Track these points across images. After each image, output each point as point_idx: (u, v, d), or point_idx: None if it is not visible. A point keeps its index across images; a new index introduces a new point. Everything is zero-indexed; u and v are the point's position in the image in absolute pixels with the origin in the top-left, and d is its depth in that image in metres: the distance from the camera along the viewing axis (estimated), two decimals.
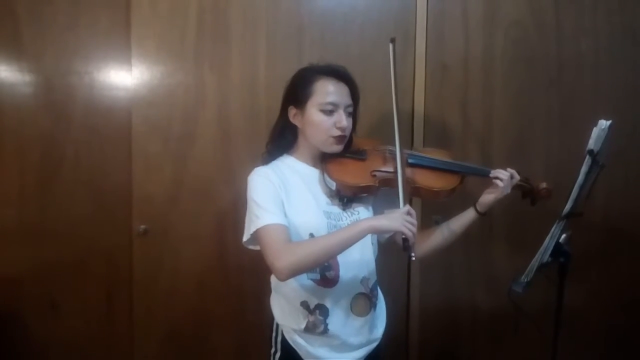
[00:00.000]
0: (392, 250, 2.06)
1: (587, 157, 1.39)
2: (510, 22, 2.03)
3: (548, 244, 1.50)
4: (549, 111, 2.05)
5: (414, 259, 1.36)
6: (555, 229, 1.48)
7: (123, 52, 2.05)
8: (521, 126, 2.06)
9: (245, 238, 1.41)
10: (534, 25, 2.03)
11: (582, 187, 1.42)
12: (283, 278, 1.31)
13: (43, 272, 2.11)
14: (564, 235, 1.50)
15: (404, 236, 1.29)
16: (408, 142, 2.06)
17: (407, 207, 1.34)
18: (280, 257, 1.29)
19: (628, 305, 2.08)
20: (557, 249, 1.50)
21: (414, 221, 1.31)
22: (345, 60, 2.02)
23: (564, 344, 1.57)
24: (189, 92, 2.06)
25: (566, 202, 1.46)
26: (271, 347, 1.54)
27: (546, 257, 1.51)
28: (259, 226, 1.35)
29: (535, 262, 1.52)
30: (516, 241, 2.05)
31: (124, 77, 2.07)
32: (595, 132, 1.38)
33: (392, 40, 1.48)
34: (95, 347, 2.15)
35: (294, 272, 1.33)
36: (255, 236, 1.37)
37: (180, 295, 2.10)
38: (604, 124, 1.37)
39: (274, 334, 1.53)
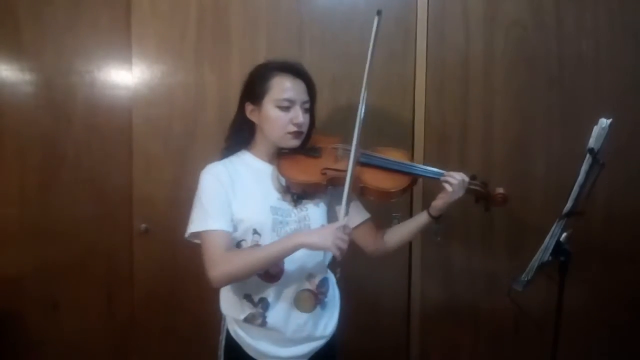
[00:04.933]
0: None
1: (588, 155, 1.39)
2: (511, 22, 2.03)
3: (548, 242, 1.50)
4: (550, 110, 2.05)
5: (337, 275, 1.40)
6: (555, 228, 1.48)
7: (123, 52, 2.05)
8: (522, 125, 2.06)
9: (186, 234, 1.42)
10: (535, 24, 2.03)
11: (582, 186, 1.42)
12: (216, 286, 1.36)
13: (44, 272, 2.11)
14: (564, 234, 1.50)
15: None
16: (409, 143, 2.07)
17: (343, 222, 1.34)
18: (215, 266, 1.33)
19: (628, 304, 2.08)
20: (558, 248, 1.50)
21: (345, 237, 1.31)
22: (345, 60, 2.05)
23: (564, 343, 1.57)
24: (189, 91, 2.06)
25: (567, 201, 1.46)
26: (220, 334, 1.55)
27: (547, 256, 1.51)
28: (200, 229, 1.38)
29: (535, 261, 1.52)
30: (517, 240, 2.05)
31: (124, 77, 2.07)
32: (595, 130, 1.38)
33: (379, 13, 1.42)
34: (96, 346, 2.15)
35: (227, 282, 1.40)
36: (196, 236, 1.40)
37: (181, 294, 2.10)
38: (604, 122, 1.37)
39: (222, 322, 1.55)
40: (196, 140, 2.07)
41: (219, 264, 1.33)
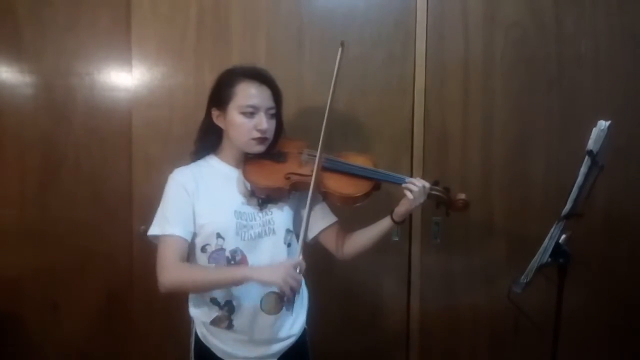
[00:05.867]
0: (392, 250, 2.07)
1: (587, 157, 1.39)
2: (510, 23, 2.04)
3: (548, 244, 1.49)
4: (549, 112, 2.05)
5: (287, 311, 1.46)
6: (554, 230, 1.48)
7: (123, 53, 2.05)
8: (521, 127, 2.06)
9: (148, 233, 1.45)
10: (534, 26, 2.04)
11: (581, 188, 1.42)
12: (162, 292, 1.38)
13: (44, 273, 2.11)
14: (563, 236, 1.50)
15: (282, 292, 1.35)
16: (408, 145, 2.07)
17: (298, 259, 1.38)
18: (165, 273, 1.37)
19: (628, 306, 2.08)
20: (557, 250, 1.50)
21: (298, 277, 1.34)
22: (345, 61, 2.04)
23: (563, 344, 1.57)
24: (189, 93, 2.06)
25: (566, 203, 1.46)
26: (190, 336, 1.57)
27: (546, 258, 1.51)
28: (157, 233, 1.41)
29: (535, 263, 1.52)
30: (516, 242, 2.05)
31: (124, 78, 2.07)
32: (594, 132, 1.38)
33: (342, 44, 1.49)
34: (96, 347, 2.15)
35: (173, 291, 1.43)
36: (154, 239, 1.43)
37: (180, 295, 2.10)
38: (603, 124, 1.37)
39: (191, 325, 1.56)
40: None
41: (169, 271, 1.37)
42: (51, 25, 2.06)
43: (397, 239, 2.05)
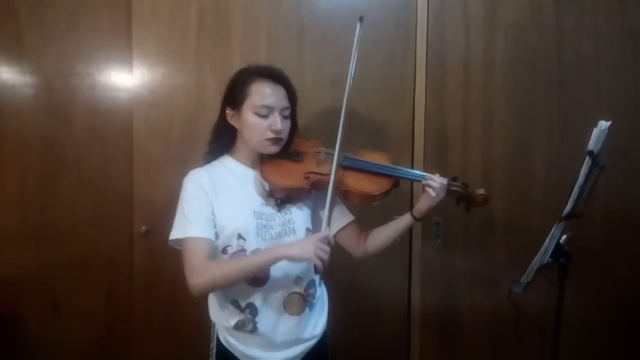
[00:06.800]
0: (393, 250, 2.07)
1: (587, 158, 1.39)
2: (511, 24, 2.04)
3: (548, 245, 1.50)
4: (550, 112, 2.05)
5: (321, 281, 1.48)
6: (555, 230, 1.48)
7: (124, 54, 2.05)
8: (521, 127, 2.06)
9: (170, 237, 1.42)
10: (534, 26, 2.04)
11: (582, 188, 1.42)
12: (196, 294, 1.36)
13: (44, 274, 2.12)
14: (564, 236, 1.50)
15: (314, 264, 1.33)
16: (409, 145, 2.07)
17: (325, 232, 1.36)
18: (195, 275, 1.34)
19: (628, 306, 2.08)
20: (558, 250, 1.50)
21: (327, 248, 1.33)
22: (345, 62, 2.02)
23: (564, 344, 1.57)
24: (190, 93, 2.07)
25: (566, 203, 1.46)
26: (211, 341, 1.55)
27: (546, 258, 1.51)
28: (181, 237, 1.39)
29: (535, 263, 1.52)
30: (516, 242, 2.05)
31: (125, 79, 2.07)
32: (595, 133, 1.38)
33: (361, 19, 1.47)
34: (96, 347, 2.15)
35: (207, 291, 1.43)
36: (178, 243, 1.41)
37: (181, 296, 2.10)
38: (603, 124, 1.37)
39: (212, 330, 1.55)
40: (197, 143, 2.06)
41: (200, 271, 1.34)
42: (52, 26, 2.06)
43: (398, 239, 2.02)
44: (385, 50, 2.05)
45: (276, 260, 1.34)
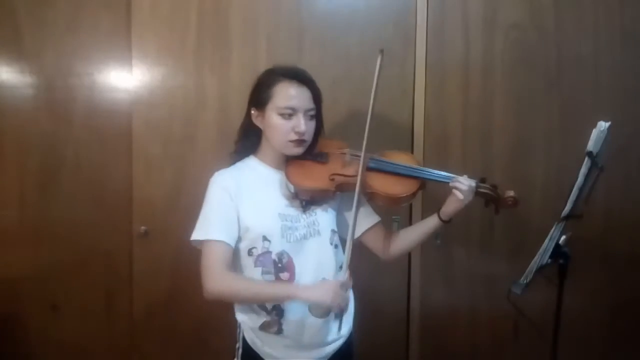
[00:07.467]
0: None
1: (587, 158, 1.39)
2: (510, 25, 2.04)
3: (547, 245, 1.49)
4: (549, 113, 2.05)
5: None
6: (554, 231, 1.48)
7: (124, 54, 2.05)
8: (521, 128, 2.06)
9: (192, 237, 1.43)
10: (534, 27, 2.03)
11: (581, 189, 1.42)
12: (207, 298, 1.37)
13: (43, 274, 2.12)
14: (563, 237, 1.50)
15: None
16: (408, 146, 2.07)
17: (344, 279, 1.37)
18: (211, 280, 1.36)
19: (628, 306, 2.08)
20: (557, 251, 1.50)
21: (346, 295, 1.35)
22: (345, 63, 2.05)
23: (563, 345, 1.57)
24: (189, 94, 2.07)
25: (566, 204, 1.46)
26: (236, 342, 1.55)
27: (546, 259, 1.51)
28: (202, 238, 1.40)
29: (534, 264, 1.52)
30: (516, 242, 2.05)
31: (124, 79, 2.07)
32: (594, 133, 1.37)
33: (381, 52, 1.47)
34: (96, 348, 2.15)
35: (219, 299, 1.42)
36: (198, 243, 1.41)
37: (180, 296, 2.10)
38: (603, 125, 1.36)
39: (238, 330, 1.54)
40: (196, 143, 2.07)
41: (215, 280, 1.36)
42: (52, 26, 2.06)
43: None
44: (385, 51, 2.04)
45: (290, 299, 1.37)
